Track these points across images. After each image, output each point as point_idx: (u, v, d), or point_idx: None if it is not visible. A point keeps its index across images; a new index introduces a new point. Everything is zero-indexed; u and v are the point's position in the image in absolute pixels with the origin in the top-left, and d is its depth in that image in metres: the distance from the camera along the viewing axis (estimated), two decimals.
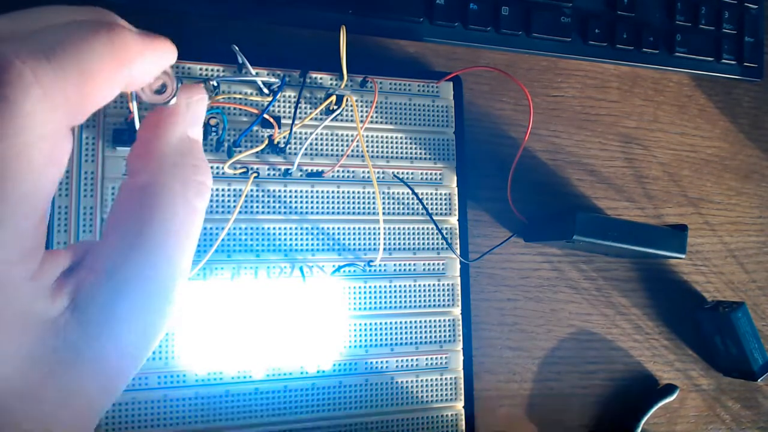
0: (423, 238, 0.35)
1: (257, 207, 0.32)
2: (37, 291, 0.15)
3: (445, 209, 0.36)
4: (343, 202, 0.34)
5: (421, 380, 0.34)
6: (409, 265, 0.35)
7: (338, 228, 0.34)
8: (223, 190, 0.32)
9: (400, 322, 0.34)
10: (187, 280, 0.18)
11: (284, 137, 0.33)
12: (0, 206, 0.14)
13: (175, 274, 0.17)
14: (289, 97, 0.33)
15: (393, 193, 0.35)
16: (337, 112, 0.33)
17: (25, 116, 0.14)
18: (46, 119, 0.15)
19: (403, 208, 0.35)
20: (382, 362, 0.34)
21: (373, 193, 0.34)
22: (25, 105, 0.14)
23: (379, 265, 0.34)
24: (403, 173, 0.35)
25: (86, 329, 0.16)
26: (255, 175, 0.32)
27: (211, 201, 0.31)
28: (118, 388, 0.17)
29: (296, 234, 0.33)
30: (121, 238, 0.17)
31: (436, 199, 0.35)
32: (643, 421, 0.39)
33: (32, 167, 0.15)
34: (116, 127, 0.30)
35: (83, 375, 0.16)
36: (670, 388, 0.40)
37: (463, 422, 0.35)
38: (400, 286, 0.34)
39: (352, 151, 0.34)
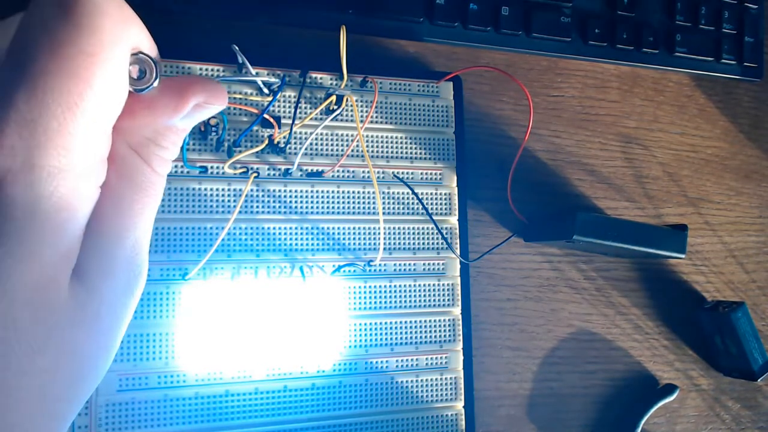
0: (423, 238, 0.35)
1: (257, 207, 0.32)
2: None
3: (445, 209, 0.36)
4: (343, 202, 0.34)
5: (421, 380, 0.34)
6: (409, 265, 0.35)
7: (338, 228, 0.34)
8: (223, 189, 0.32)
9: (400, 322, 0.34)
10: (148, 239, 0.19)
11: (284, 137, 0.33)
12: (81, 111, 0.15)
13: (144, 229, 0.18)
14: (289, 97, 0.33)
15: (393, 193, 0.35)
16: (337, 112, 0.33)
17: (101, 29, 0.15)
18: (117, 35, 0.15)
19: (403, 208, 0.35)
20: (382, 362, 0.34)
21: (373, 193, 0.34)
22: (102, 19, 0.15)
23: (379, 265, 0.34)
24: (403, 173, 0.35)
25: (84, 283, 0.16)
26: (255, 175, 0.32)
27: (211, 201, 0.31)
28: (109, 346, 0.18)
29: (296, 234, 0.33)
30: (101, 200, 0.17)
31: (436, 199, 0.35)
32: (643, 421, 0.39)
33: (109, 82, 0.15)
34: None
35: (81, 329, 0.16)
36: (670, 388, 0.40)
37: (463, 422, 0.35)
38: (400, 286, 0.34)
39: (352, 151, 0.34)
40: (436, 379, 0.34)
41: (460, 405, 0.35)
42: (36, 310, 0.15)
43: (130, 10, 0.16)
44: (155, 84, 0.18)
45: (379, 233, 0.34)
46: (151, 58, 0.17)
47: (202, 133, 0.31)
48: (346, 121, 0.34)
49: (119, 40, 0.15)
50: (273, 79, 0.33)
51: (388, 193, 0.35)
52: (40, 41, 0.14)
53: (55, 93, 0.14)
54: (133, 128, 0.17)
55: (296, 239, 0.33)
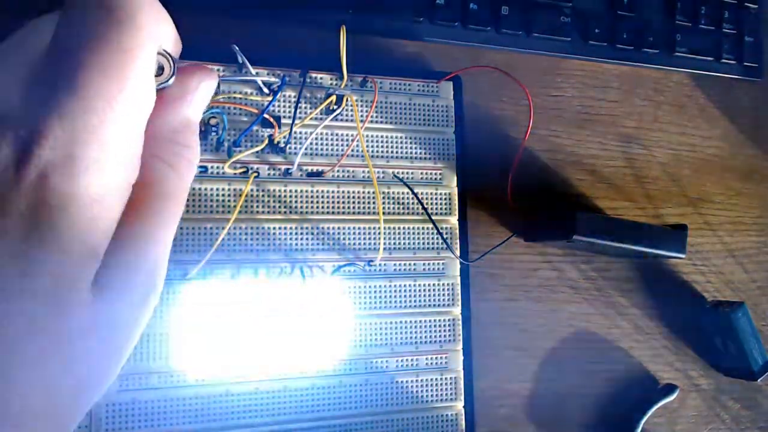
0: (423, 238, 0.35)
1: (257, 207, 0.32)
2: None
3: (445, 209, 0.36)
4: (343, 202, 0.34)
5: (421, 380, 0.34)
6: (409, 265, 0.35)
7: (338, 228, 0.33)
8: (223, 189, 0.32)
9: (400, 322, 0.34)
10: (169, 251, 0.19)
11: (284, 137, 0.33)
12: (116, 111, 0.15)
13: (167, 241, 0.18)
14: (289, 96, 0.33)
15: (393, 193, 0.35)
16: (337, 111, 0.33)
17: (140, 27, 0.15)
18: (154, 32, 0.16)
19: (403, 208, 0.35)
20: (382, 362, 0.34)
21: (373, 192, 0.34)
22: (141, 17, 0.15)
23: (379, 264, 0.34)
24: (403, 173, 0.35)
25: (102, 290, 0.16)
26: (255, 174, 0.32)
27: (211, 201, 0.31)
28: (117, 359, 0.18)
29: (296, 234, 0.33)
30: (128, 210, 0.17)
31: (436, 199, 0.35)
32: (643, 421, 0.39)
33: (145, 78, 0.16)
34: None
35: (93, 336, 0.16)
36: (670, 388, 0.40)
37: (463, 422, 0.35)
38: (400, 286, 0.34)
39: (352, 150, 0.34)
40: (436, 379, 0.34)
41: (460, 405, 0.35)
42: (55, 308, 0.15)
43: (163, 9, 0.17)
44: (171, 81, 0.18)
45: (379, 233, 0.34)
46: (168, 54, 0.18)
47: (202, 133, 0.31)
48: (346, 120, 0.34)
49: (155, 38, 0.16)
50: (273, 79, 0.33)
51: (388, 193, 0.35)
52: (81, 38, 0.15)
53: (96, 88, 0.15)
54: (152, 135, 0.17)
55: (296, 239, 0.33)
